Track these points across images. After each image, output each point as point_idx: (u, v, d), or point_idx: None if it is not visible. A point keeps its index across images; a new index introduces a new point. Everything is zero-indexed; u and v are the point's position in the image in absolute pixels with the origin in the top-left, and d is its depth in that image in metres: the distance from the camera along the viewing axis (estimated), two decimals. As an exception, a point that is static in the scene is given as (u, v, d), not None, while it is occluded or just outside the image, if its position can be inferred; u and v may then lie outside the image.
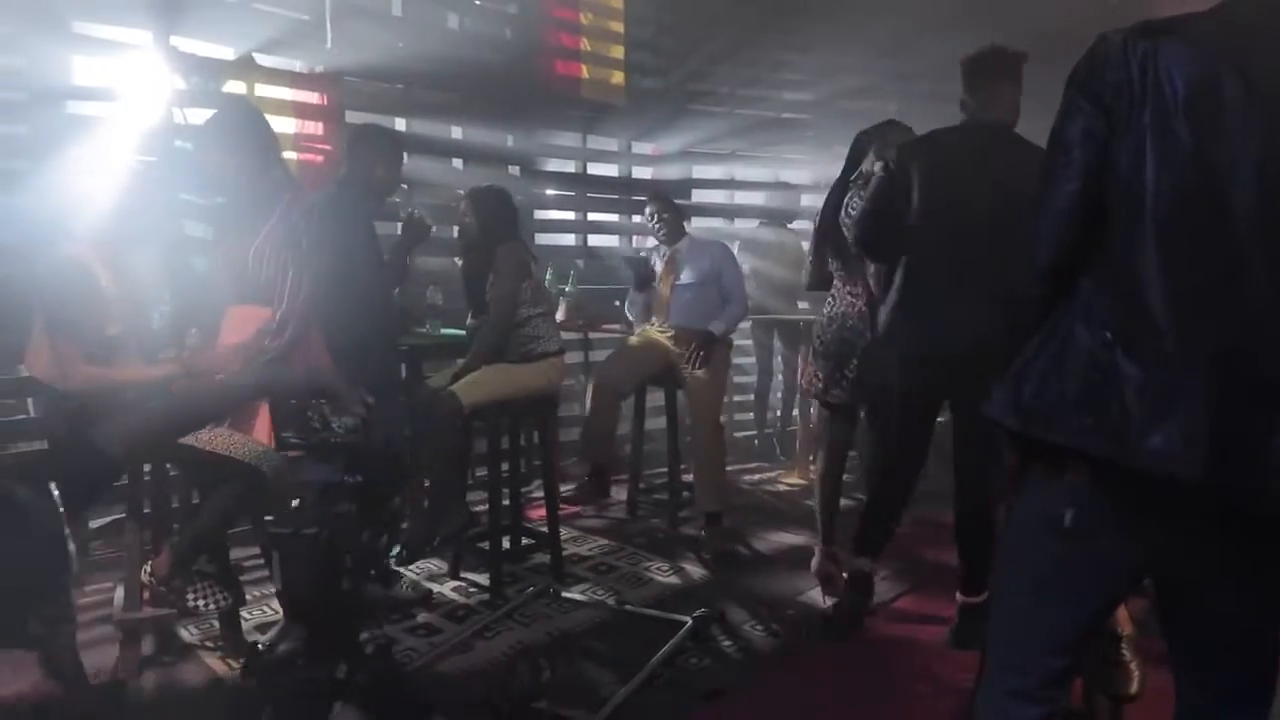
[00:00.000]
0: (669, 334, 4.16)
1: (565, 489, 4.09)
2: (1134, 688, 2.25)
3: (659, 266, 4.34)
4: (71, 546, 1.19)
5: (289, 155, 4.07)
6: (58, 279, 2.54)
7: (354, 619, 1.86)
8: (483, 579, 3.44)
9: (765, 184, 6.19)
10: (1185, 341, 1.22)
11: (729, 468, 5.20)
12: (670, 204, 4.41)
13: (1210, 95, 1.22)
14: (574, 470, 4.46)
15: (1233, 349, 1.21)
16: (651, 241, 5.41)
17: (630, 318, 4.49)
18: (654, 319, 4.32)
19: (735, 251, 4.61)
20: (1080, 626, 1.43)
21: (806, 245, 5.68)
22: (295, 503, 1.97)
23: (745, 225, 6.13)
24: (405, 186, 4.69)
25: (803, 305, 5.47)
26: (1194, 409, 1.20)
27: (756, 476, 5.27)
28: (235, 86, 3.92)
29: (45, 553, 1.24)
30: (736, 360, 4.78)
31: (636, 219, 5.92)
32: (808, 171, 6.57)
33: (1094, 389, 1.26)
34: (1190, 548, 1.29)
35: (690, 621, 2.97)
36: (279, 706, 1.72)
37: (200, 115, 3.63)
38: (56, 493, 1.21)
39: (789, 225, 5.75)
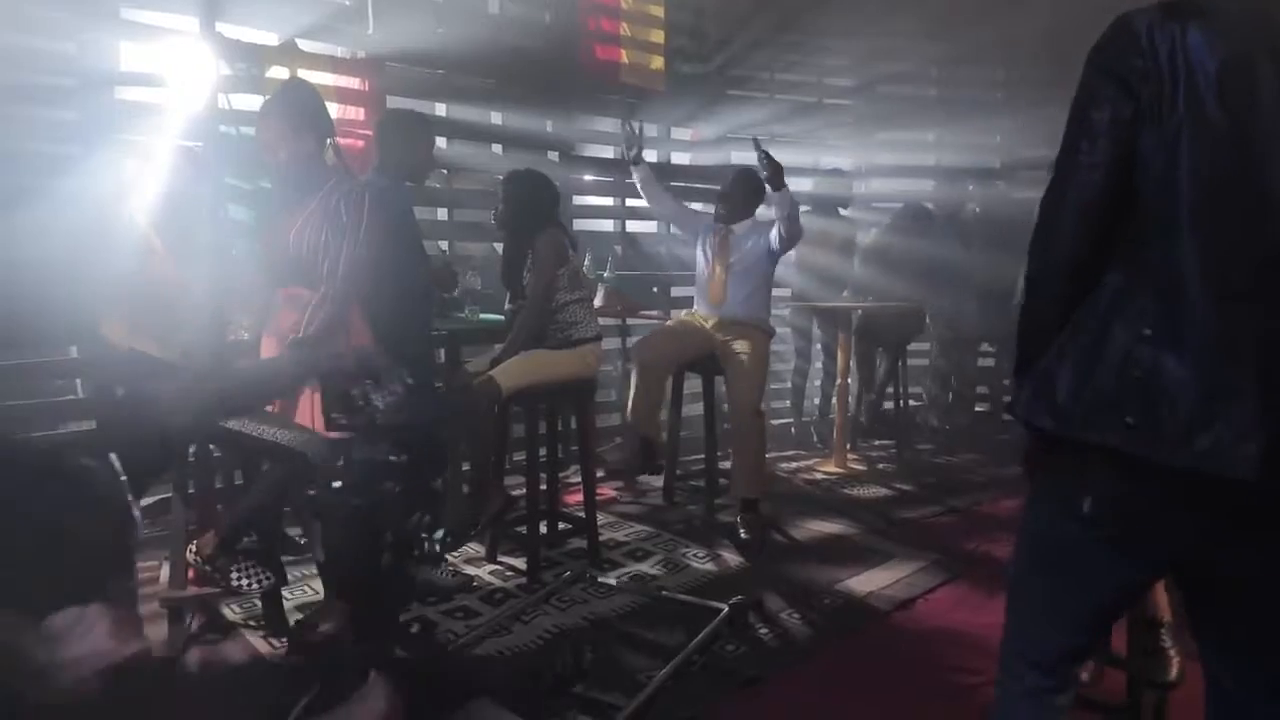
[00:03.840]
0: (712, 321, 4.15)
1: (602, 473, 4.11)
2: (1174, 674, 2.25)
3: (709, 249, 4.24)
4: (136, 513, 1.24)
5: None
6: (127, 257, 2.58)
7: (395, 596, 1.90)
8: (520, 563, 3.47)
9: (813, 170, 6.13)
10: (1230, 337, 1.19)
11: (766, 455, 5.20)
12: (752, 185, 4.24)
13: (1244, 80, 1.19)
14: (610, 455, 4.47)
15: None
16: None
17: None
18: (698, 306, 4.30)
19: None
20: (1097, 610, 1.44)
21: (859, 234, 5.66)
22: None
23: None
24: (445, 171, 4.72)
25: (845, 294, 5.43)
26: (1244, 407, 1.17)
27: (794, 465, 5.25)
28: (278, 72, 3.96)
29: (113, 520, 1.34)
30: (775, 347, 4.75)
31: (675, 205, 5.90)
32: (848, 157, 6.51)
33: (1134, 388, 1.23)
34: (1217, 539, 1.27)
35: (726, 608, 2.96)
36: (325, 683, 1.74)
37: (247, 100, 3.67)
38: (118, 465, 1.28)
39: (841, 212, 5.68)
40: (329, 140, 2.79)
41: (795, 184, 6.03)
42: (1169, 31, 1.23)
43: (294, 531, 3.44)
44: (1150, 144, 1.24)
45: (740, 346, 4.04)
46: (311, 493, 1.98)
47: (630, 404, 4.12)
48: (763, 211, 4.37)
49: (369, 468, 1.84)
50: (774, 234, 4.07)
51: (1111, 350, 1.25)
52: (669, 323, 4.39)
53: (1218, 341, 1.20)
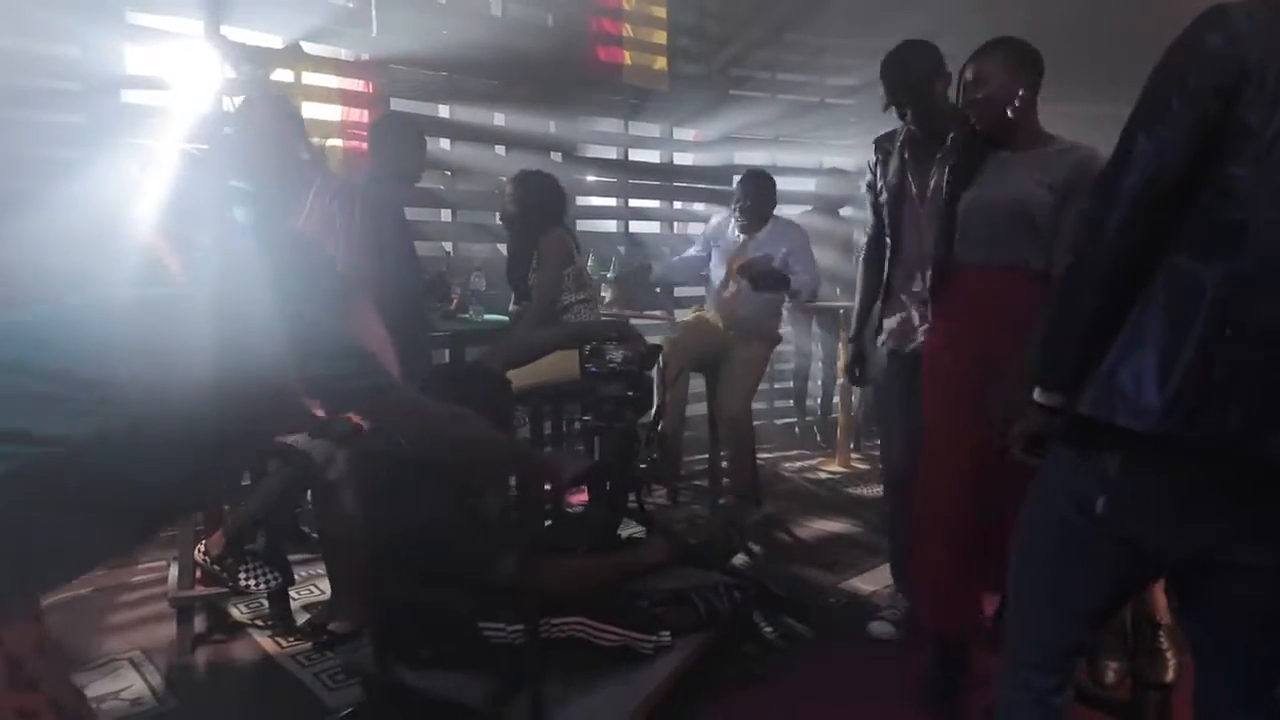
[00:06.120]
0: (723, 323, 4.09)
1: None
2: (1170, 675, 2.26)
3: (723, 254, 4.15)
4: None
5: (335, 142, 4.13)
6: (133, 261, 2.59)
7: (634, 483, 2.93)
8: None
9: (814, 170, 6.14)
10: None
11: (770, 455, 5.21)
12: (764, 187, 4.15)
13: None
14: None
15: None
16: (693, 228, 5.40)
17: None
18: (709, 307, 4.24)
19: None
20: (1103, 605, 1.44)
21: (857, 233, 5.66)
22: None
23: (787, 210, 6.08)
24: (449, 173, 4.74)
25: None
26: None
27: (797, 464, 5.26)
28: (283, 75, 3.98)
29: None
30: (777, 348, 4.73)
31: (678, 205, 5.92)
32: (851, 157, 6.51)
33: (1217, 385, 1.20)
34: (1239, 536, 1.27)
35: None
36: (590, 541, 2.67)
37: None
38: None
39: (840, 212, 5.69)
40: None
41: (798, 184, 6.07)
42: (1272, 28, 1.21)
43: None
44: (1244, 145, 1.21)
45: (739, 353, 4.01)
46: (587, 418, 2.78)
47: (663, 409, 4.00)
48: (781, 210, 4.30)
49: (617, 401, 2.67)
50: (792, 273, 4.00)
51: (1193, 347, 1.21)
52: (689, 318, 4.31)
53: None
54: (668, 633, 2.31)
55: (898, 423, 2.85)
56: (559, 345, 2.93)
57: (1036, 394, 1.44)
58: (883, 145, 2.99)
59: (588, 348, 2.71)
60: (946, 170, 2.54)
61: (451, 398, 1.99)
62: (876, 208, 2.95)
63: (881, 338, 2.87)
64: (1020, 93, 2.31)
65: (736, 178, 4.40)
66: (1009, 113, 2.32)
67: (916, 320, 2.74)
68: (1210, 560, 1.32)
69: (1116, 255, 1.31)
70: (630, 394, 2.67)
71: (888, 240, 2.85)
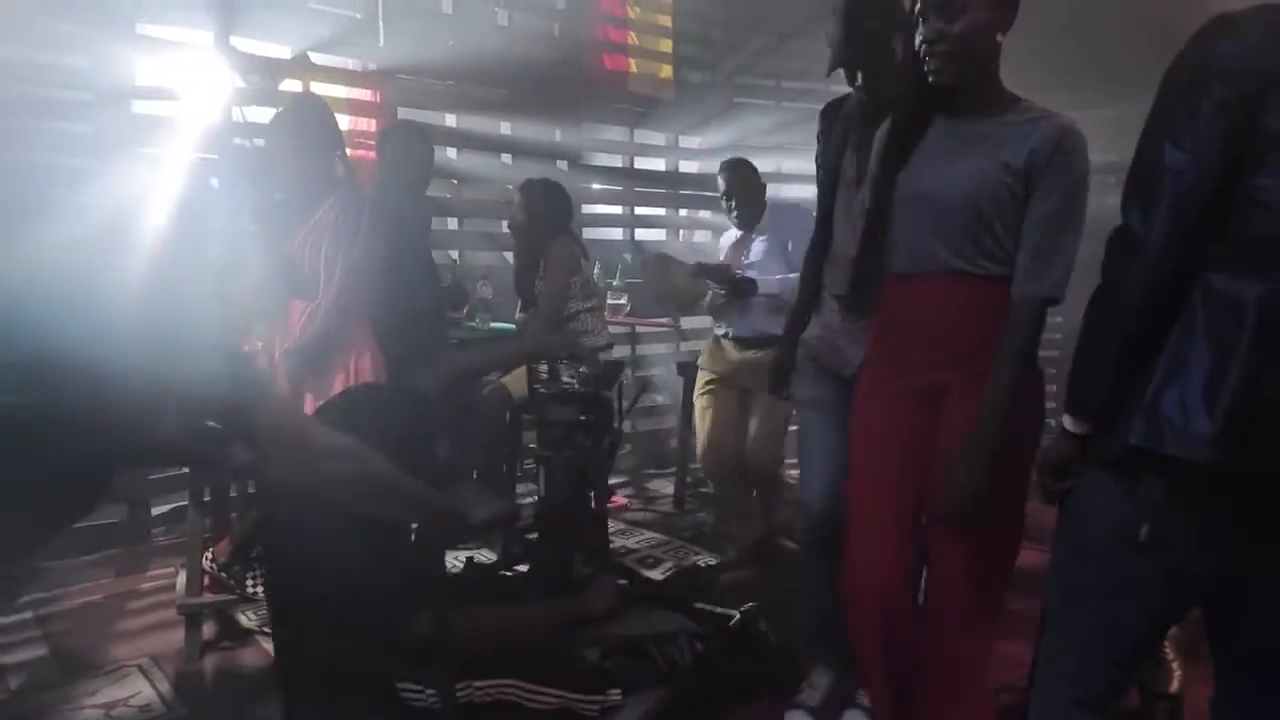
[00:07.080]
0: (735, 348, 3.62)
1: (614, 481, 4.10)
2: (1174, 686, 2.23)
3: (730, 255, 3.71)
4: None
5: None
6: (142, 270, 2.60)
7: (584, 519, 2.68)
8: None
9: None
10: None
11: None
12: (746, 177, 3.67)
13: None
14: (620, 465, 4.46)
15: None
16: (698, 236, 5.40)
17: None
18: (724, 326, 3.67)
19: None
20: (1151, 636, 1.40)
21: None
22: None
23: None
24: (456, 182, 4.76)
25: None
26: None
27: (803, 471, 5.24)
28: (291, 85, 4.00)
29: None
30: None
31: (684, 213, 5.93)
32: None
33: (1269, 406, 1.15)
34: (1265, 547, 1.24)
35: (738, 615, 2.96)
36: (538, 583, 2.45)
37: (260, 113, 3.72)
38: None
39: None
40: (337, 154, 2.81)
41: (801, 191, 6.07)
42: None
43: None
44: (1267, 155, 1.18)
45: (763, 394, 3.29)
46: (533, 446, 2.60)
47: (620, 435, 3.51)
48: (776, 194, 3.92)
49: (569, 426, 2.45)
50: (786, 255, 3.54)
51: (1239, 369, 1.16)
52: (699, 395, 3.73)
53: None
54: (617, 691, 2.05)
55: (818, 455, 2.29)
56: (502, 365, 2.70)
57: (1067, 422, 1.38)
58: (828, 114, 2.41)
59: (542, 368, 2.46)
60: (880, 144, 1.96)
61: (367, 424, 1.72)
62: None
63: (801, 349, 2.35)
64: (998, 36, 1.72)
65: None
66: (983, 62, 1.74)
67: (841, 335, 2.25)
68: (1248, 577, 1.29)
69: (1156, 275, 1.24)
70: (584, 418, 2.44)
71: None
